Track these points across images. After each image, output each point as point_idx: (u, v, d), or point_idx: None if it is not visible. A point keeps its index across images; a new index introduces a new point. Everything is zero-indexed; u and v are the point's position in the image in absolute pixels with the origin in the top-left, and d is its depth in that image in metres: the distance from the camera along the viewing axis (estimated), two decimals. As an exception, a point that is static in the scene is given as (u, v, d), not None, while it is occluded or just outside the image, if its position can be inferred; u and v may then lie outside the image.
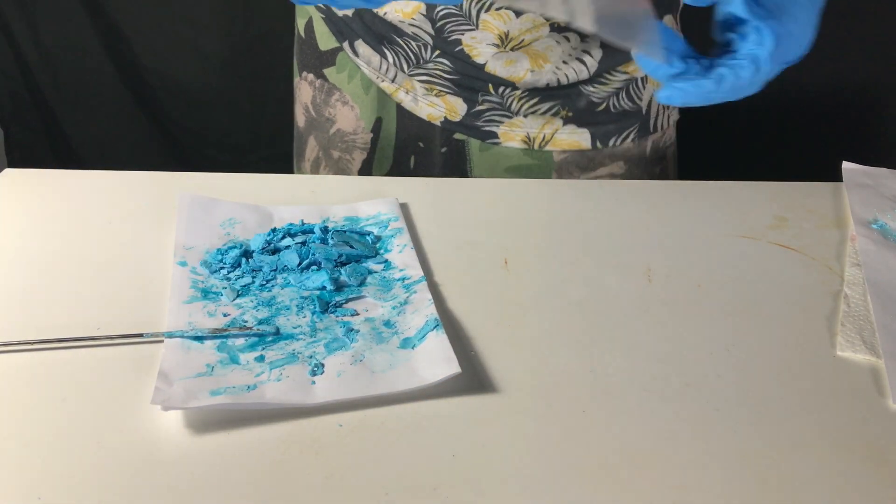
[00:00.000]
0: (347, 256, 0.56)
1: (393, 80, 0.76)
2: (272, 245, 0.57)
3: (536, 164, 0.76)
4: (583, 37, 0.71)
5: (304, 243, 0.57)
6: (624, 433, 0.43)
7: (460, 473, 0.40)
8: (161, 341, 0.48)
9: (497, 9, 0.68)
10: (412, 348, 0.48)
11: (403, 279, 0.55)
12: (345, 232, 0.59)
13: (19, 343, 0.47)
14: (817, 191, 0.68)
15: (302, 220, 0.60)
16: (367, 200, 0.64)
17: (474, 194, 0.68)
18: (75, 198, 0.64)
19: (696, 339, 0.51)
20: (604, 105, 0.75)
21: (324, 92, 0.81)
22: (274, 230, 0.58)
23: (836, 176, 0.69)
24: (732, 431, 0.44)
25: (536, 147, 0.76)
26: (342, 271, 0.55)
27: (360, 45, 0.76)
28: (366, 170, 0.81)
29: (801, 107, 1.29)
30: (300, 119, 0.86)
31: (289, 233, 0.58)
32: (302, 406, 0.43)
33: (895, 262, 0.58)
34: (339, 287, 0.54)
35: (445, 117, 0.76)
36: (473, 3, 0.68)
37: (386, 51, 0.75)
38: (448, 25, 0.70)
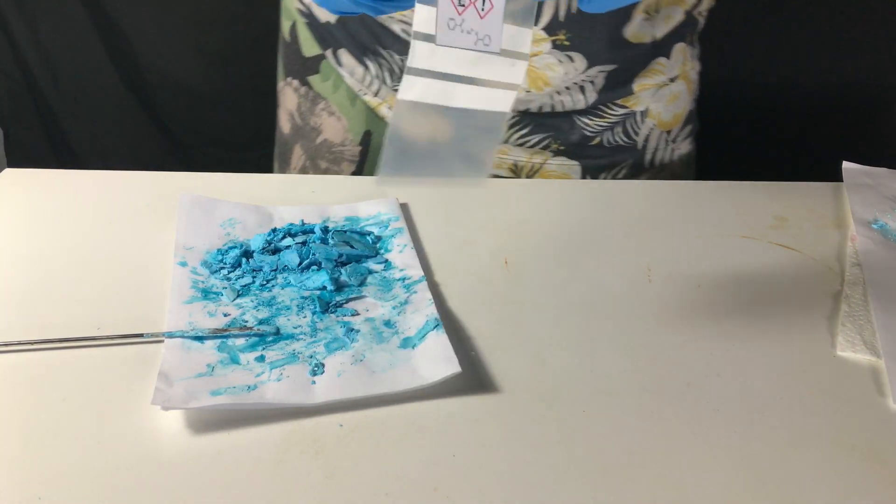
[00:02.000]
0: (348, 256, 0.56)
1: (376, 94, 0.74)
2: (272, 245, 0.57)
3: None
4: (590, 60, 0.68)
5: (304, 243, 0.57)
6: (624, 433, 0.43)
7: (460, 473, 0.40)
8: (161, 341, 0.48)
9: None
10: (412, 348, 0.48)
11: (404, 279, 0.55)
12: (345, 232, 0.59)
13: (19, 343, 0.47)
14: (817, 191, 0.68)
15: (302, 220, 0.60)
16: (368, 200, 0.64)
17: (474, 194, 0.68)
18: (75, 198, 0.64)
19: (696, 339, 0.51)
20: (597, 139, 0.73)
21: (308, 100, 0.78)
22: (274, 230, 0.58)
23: (836, 176, 0.69)
24: (732, 431, 0.44)
25: (524, 177, 0.75)
26: (342, 271, 0.55)
27: (344, 55, 0.73)
28: None
29: (801, 107, 1.29)
30: (284, 125, 0.83)
31: (289, 233, 0.58)
32: (302, 406, 0.43)
33: (895, 262, 0.58)
34: (340, 287, 0.54)
35: None
36: None
37: (369, 63, 0.72)
38: None
